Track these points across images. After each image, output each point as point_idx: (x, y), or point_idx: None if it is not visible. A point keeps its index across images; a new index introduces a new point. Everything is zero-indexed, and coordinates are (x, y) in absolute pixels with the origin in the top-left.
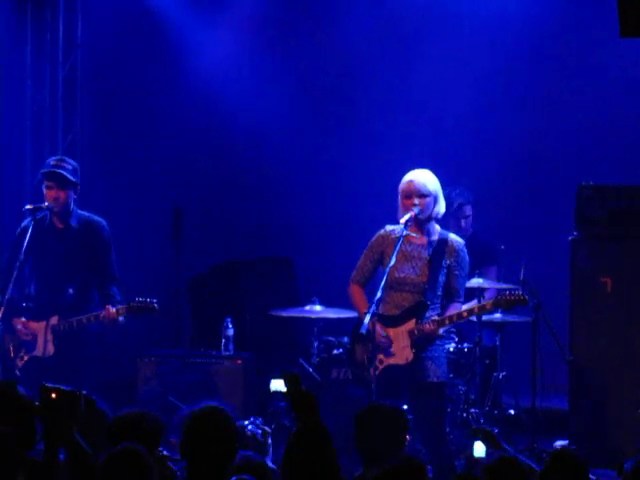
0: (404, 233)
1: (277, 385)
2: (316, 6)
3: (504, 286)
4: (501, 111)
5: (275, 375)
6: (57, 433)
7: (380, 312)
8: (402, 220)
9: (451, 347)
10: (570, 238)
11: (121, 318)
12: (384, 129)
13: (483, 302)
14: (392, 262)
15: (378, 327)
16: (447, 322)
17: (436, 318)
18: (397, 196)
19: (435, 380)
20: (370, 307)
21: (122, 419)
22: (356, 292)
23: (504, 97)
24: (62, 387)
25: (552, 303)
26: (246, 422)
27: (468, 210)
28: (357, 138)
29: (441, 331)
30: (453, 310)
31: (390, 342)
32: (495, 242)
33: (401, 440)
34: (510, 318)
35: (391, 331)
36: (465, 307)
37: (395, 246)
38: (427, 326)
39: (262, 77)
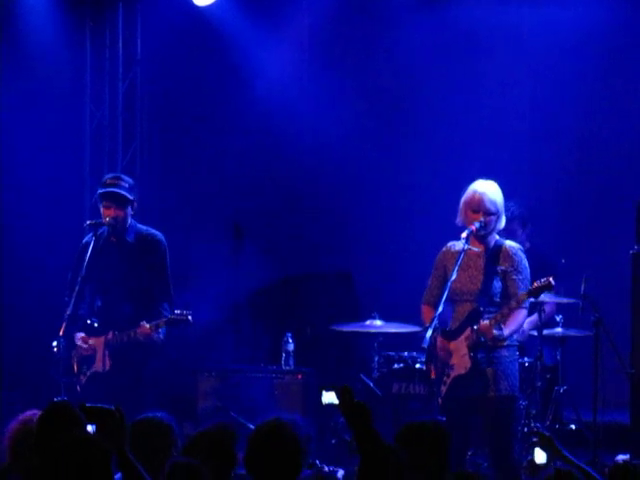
0: (465, 247)
1: (329, 398)
2: (378, 20)
3: (564, 299)
4: (561, 123)
5: (326, 387)
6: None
7: (447, 328)
8: (463, 235)
9: None
10: (631, 252)
11: (159, 335)
12: (445, 143)
13: (518, 296)
14: (453, 276)
15: (439, 341)
16: (499, 317)
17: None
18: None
19: (494, 394)
20: (432, 322)
21: (205, 435)
22: (426, 311)
23: (563, 110)
24: (103, 406)
25: (613, 317)
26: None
27: (514, 226)
28: (418, 153)
29: (495, 332)
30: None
31: (449, 355)
32: (552, 255)
33: (442, 455)
34: (571, 332)
35: (452, 344)
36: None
37: (456, 260)
38: (481, 325)
39: (323, 93)
